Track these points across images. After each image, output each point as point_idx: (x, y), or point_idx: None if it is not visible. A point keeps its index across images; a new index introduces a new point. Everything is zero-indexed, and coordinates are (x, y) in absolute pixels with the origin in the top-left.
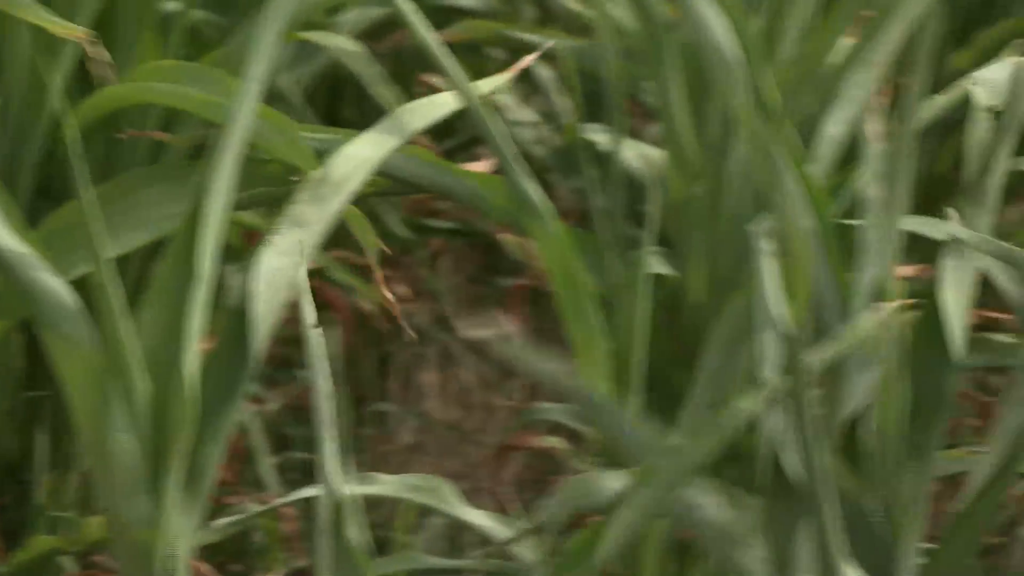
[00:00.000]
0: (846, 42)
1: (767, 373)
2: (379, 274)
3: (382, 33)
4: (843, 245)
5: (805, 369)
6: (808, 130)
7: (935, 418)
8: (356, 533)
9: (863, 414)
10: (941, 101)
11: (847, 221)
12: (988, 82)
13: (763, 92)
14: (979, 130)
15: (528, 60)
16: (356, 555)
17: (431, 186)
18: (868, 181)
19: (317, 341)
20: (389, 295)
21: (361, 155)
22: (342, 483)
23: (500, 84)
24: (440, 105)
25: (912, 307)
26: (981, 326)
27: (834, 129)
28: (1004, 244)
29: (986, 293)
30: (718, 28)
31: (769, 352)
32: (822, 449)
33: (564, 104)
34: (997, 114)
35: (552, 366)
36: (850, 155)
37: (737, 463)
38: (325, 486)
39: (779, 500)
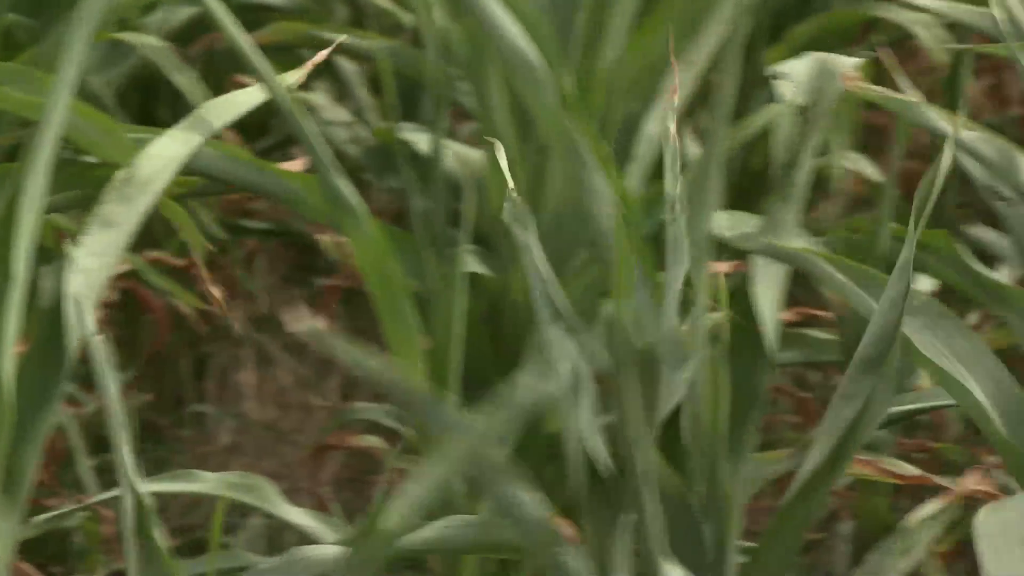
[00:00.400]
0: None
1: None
2: (204, 272)
3: (196, 34)
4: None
5: (623, 365)
6: (631, 128)
7: (751, 414)
8: (160, 533)
9: (683, 411)
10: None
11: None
12: (792, 78)
13: (567, 94)
14: (785, 126)
15: (324, 53)
16: (162, 555)
17: (246, 184)
18: (675, 180)
19: (100, 348)
20: (216, 292)
21: (167, 153)
22: (140, 483)
23: (301, 76)
24: (245, 99)
25: (727, 304)
26: (799, 322)
27: (654, 128)
28: (775, 244)
29: (805, 290)
30: (513, 31)
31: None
32: (642, 446)
33: (377, 104)
34: (802, 110)
35: (371, 362)
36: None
37: (562, 461)
38: (123, 487)
39: (598, 498)
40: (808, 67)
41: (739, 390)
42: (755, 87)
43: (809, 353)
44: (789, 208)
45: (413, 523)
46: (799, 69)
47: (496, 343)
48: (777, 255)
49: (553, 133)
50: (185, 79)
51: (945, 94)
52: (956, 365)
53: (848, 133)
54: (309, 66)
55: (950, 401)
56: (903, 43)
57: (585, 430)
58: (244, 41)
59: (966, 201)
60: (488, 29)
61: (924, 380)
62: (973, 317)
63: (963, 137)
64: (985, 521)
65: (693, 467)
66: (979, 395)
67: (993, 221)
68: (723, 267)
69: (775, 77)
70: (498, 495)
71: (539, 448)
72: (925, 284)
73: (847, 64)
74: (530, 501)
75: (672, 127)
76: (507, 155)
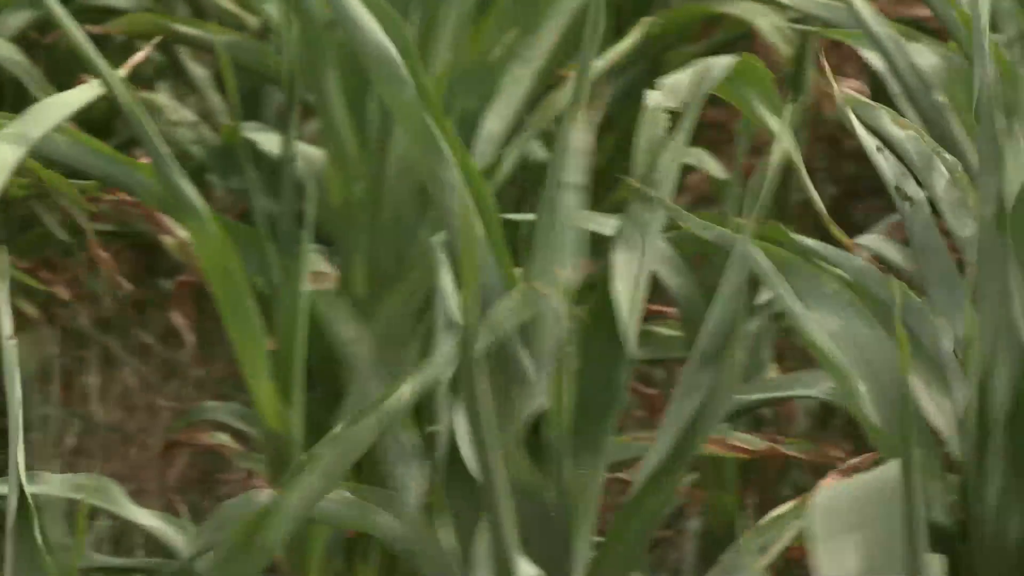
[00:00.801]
0: (507, 38)
1: (438, 366)
2: (101, 253)
3: (44, 34)
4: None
5: (475, 362)
6: (469, 127)
7: (607, 411)
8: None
9: (543, 408)
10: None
11: (518, 216)
12: (671, 86)
13: (425, 89)
14: (652, 127)
15: (145, 51)
16: (40, 554)
17: (100, 175)
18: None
19: None
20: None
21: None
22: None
23: (131, 67)
24: (78, 97)
25: (585, 301)
26: (644, 319)
27: (494, 125)
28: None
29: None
30: (373, 28)
31: (442, 346)
32: (496, 443)
33: (222, 103)
34: (671, 111)
35: None
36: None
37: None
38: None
39: (460, 493)
40: (688, 76)
41: (596, 387)
42: (597, 84)
43: (656, 350)
44: (651, 208)
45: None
46: (680, 79)
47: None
48: (640, 252)
49: (411, 129)
50: (33, 81)
51: (789, 88)
52: (849, 351)
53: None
54: (140, 57)
55: (797, 392)
56: (745, 38)
57: (458, 428)
58: (80, 37)
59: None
60: (346, 24)
61: (772, 372)
62: None
63: (896, 135)
64: (818, 506)
65: (550, 463)
66: (860, 384)
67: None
68: (581, 265)
69: (654, 88)
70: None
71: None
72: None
73: (722, 66)
74: (404, 494)
75: (538, 124)
76: (347, 152)
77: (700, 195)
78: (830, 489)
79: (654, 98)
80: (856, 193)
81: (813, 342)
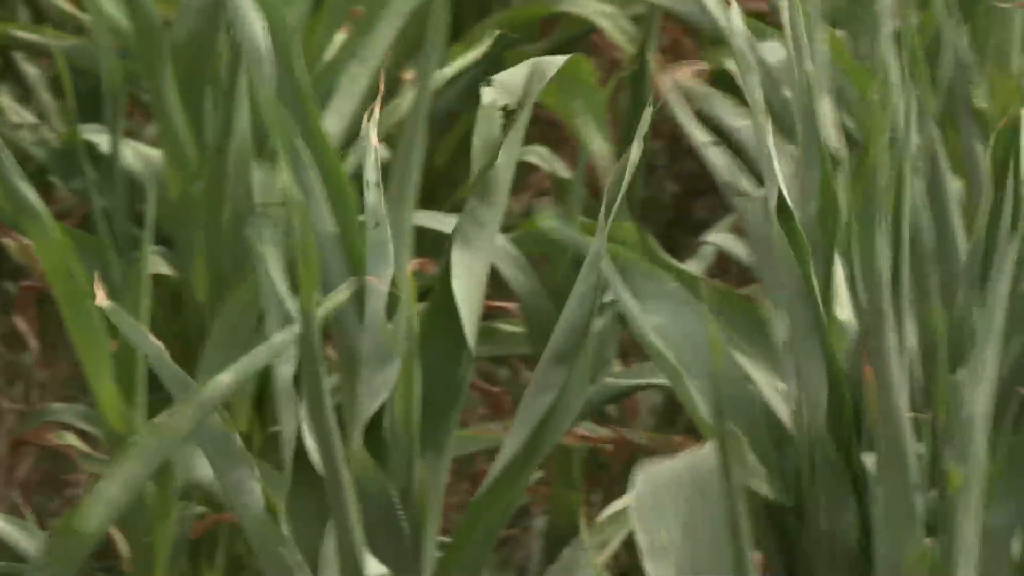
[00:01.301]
0: (341, 37)
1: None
2: None
3: None
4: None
5: (317, 361)
6: None
7: (449, 409)
8: None
9: (387, 408)
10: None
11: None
12: (504, 83)
13: (300, 87)
14: (488, 126)
15: None
16: None
17: None
18: (370, 185)
19: None
20: None
21: None
22: None
23: None
24: None
25: (425, 299)
26: (485, 316)
27: (332, 124)
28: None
29: (494, 282)
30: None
31: (281, 347)
32: (338, 441)
33: (61, 105)
34: (506, 110)
35: None
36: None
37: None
38: None
39: (306, 492)
40: (522, 73)
41: (438, 385)
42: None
43: (499, 347)
44: (489, 206)
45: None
46: (512, 75)
47: (178, 341)
48: (480, 250)
49: (273, 128)
50: None
51: (630, 85)
52: (680, 348)
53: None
54: None
55: (641, 381)
56: (587, 36)
57: (305, 428)
58: None
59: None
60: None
61: (616, 369)
62: None
63: (738, 125)
64: (640, 482)
65: (394, 462)
66: (690, 379)
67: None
68: (416, 264)
69: (488, 84)
70: (227, 484)
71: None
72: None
73: (556, 64)
74: (257, 489)
75: (373, 135)
76: (185, 153)
77: (542, 193)
78: (649, 473)
79: (489, 95)
80: (698, 191)
81: (646, 339)
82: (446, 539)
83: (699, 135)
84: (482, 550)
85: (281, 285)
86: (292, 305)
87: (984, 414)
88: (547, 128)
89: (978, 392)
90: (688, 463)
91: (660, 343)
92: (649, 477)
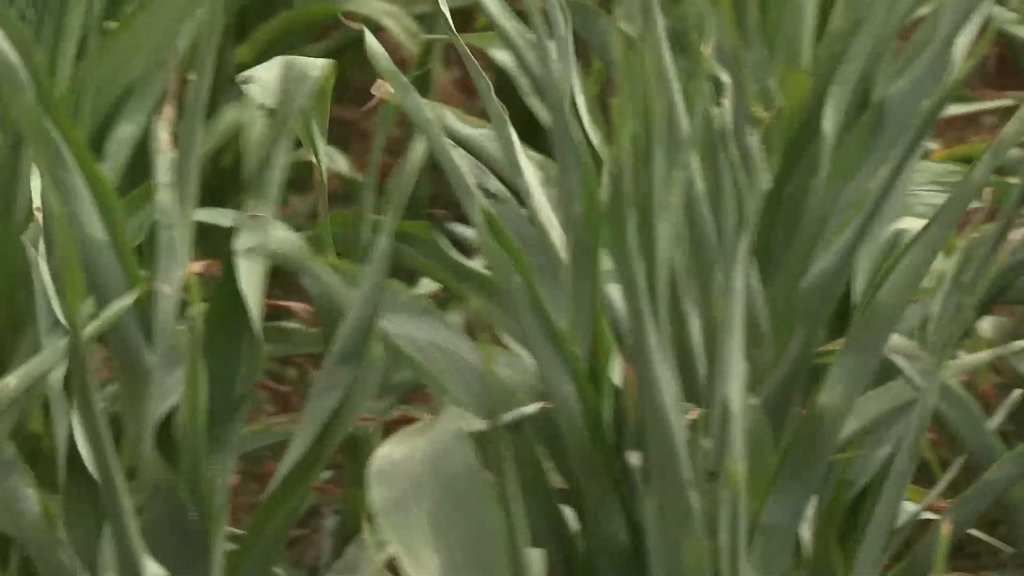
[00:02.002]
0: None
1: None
2: None
3: None
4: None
5: (85, 367)
6: (104, 132)
7: (237, 409)
8: None
9: (176, 408)
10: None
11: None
12: (261, 80)
13: (48, 97)
14: (256, 126)
15: None
16: None
17: None
18: (163, 187)
19: None
20: None
21: None
22: None
23: None
24: None
25: (209, 299)
26: (276, 316)
27: (127, 128)
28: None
29: (278, 282)
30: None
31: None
32: (111, 443)
33: None
34: (272, 110)
35: None
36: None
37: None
38: None
39: (81, 495)
40: (277, 70)
41: (223, 386)
42: (224, 86)
43: (287, 347)
44: (265, 205)
45: None
46: (268, 73)
47: None
48: (262, 252)
49: (32, 137)
50: None
51: (417, 86)
52: (438, 360)
53: (320, 128)
54: None
55: None
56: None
57: (78, 430)
58: None
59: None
60: None
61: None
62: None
63: (468, 132)
64: (379, 458)
65: (183, 463)
66: (454, 387)
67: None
68: (202, 266)
69: (245, 82)
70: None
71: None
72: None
73: (316, 65)
74: (29, 499)
75: (164, 135)
76: None
77: (331, 193)
78: (388, 453)
79: (251, 93)
80: None
81: (401, 351)
82: (238, 537)
83: (437, 140)
84: (271, 549)
85: (52, 293)
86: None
87: (739, 410)
88: (339, 128)
89: (731, 388)
90: (430, 459)
91: (416, 353)
92: (388, 476)
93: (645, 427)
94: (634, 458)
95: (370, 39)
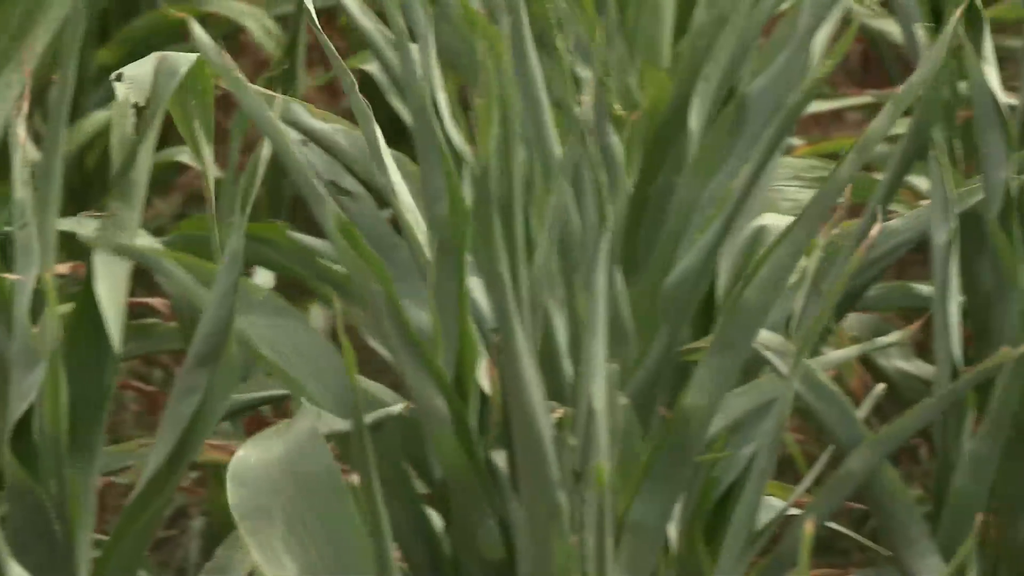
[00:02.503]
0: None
1: None
2: None
3: None
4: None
5: None
6: None
7: (98, 410)
8: None
9: (35, 411)
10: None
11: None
12: (132, 78)
13: None
14: (124, 126)
15: None
16: None
17: None
18: (18, 183)
19: None
20: None
21: None
22: None
23: None
24: None
25: (72, 304)
26: (142, 315)
27: None
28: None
29: (141, 283)
30: None
31: None
32: None
33: None
34: (140, 109)
35: None
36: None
37: None
38: None
39: None
40: (149, 67)
41: (85, 388)
42: (88, 87)
43: (152, 343)
44: (129, 207)
45: None
46: (140, 70)
47: None
48: (121, 253)
49: None
50: None
51: (282, 87)
52: (296, 361)
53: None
54: None
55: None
56: (236, 36)
57: None
58: None
59: None
60: None
61: None
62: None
63: (324, 128)
64: (236, 461)
65: (44, 466)
66: (315, 390)
67: None
68: (65, 268)
69: (118, 79)
70: None
71: None
72: (266, 278)
73: (186, 60)
74: None
75: (21, 132)
76: None
77: (194, 194)
78: (245, 456)
79: (121, 91)
80: None
81: (258, 352)
82: (102, 541)
83: (285, 136)
84: (136, 552)
85: None
86: None
87: (603, 409)
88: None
89: (595, 387)
90: (287, 462)
91: (274, 355)
92: (245, 479)
93: (512, 427)
94: (500, 459)
95: (197, 30)
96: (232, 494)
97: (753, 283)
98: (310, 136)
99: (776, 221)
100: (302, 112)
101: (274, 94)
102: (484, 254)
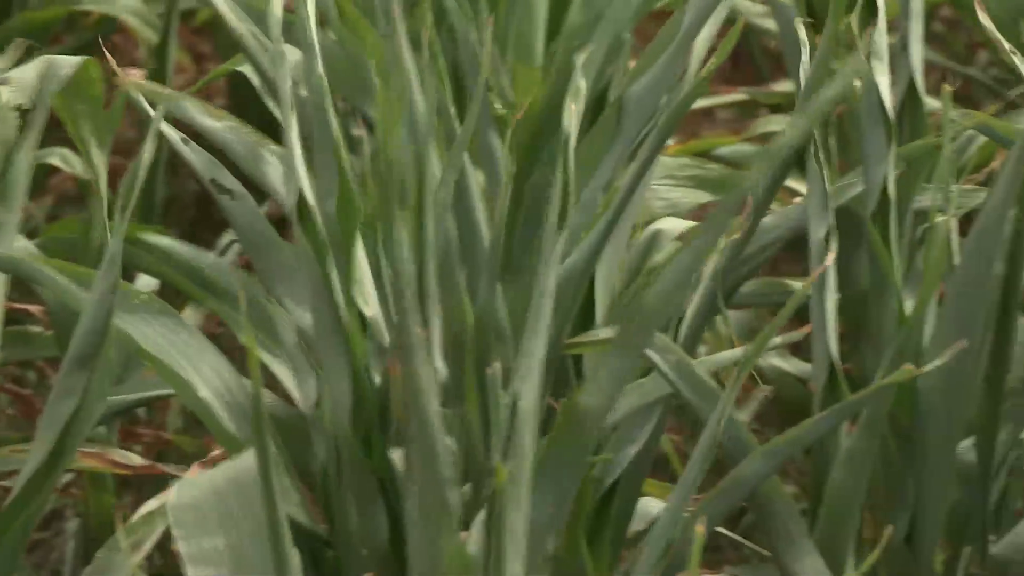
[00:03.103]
0: None
1: None
2: None
3: None
4: None
5: None
6: None
7: None
8: None
9: None
10: None
11: None
12: (17, 80)
13: None
14: (6, 129)
15: None
16: None
17: None
18: None
19: None
20: None
21: None
22: None
23: None
24: None
25: None
26: (16, 319)
27: None
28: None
29: (19, 288)
30: None
31: None
32: None
33: None
34: (23, 111)
35: None
36: None
37: None
38: None
39: None
40: (35, 70)
41: None
42: None
43: (27, 350)
44: (8, 210)
45: None
46: (25, 73)
47: None
48: None
49: None
50: None
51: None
52: (180, 360)
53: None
54: None
55: (170, 391)
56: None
57: None
58: None
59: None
60: None
61: (150, 371)
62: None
63: (211, 125)
64: (178, 496)
65: None
66: (202, 390)
67: None
68: None
69: (2, 83)
70: None
71: None
72: (147, 281)
73: (71, 64)
74: None
75: None
76: None
77: (66, 196)
78: (190, 483)
79: (5, 94)
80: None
81: (145, 352)
82: None
83: (168, 130)
84: (11, 555)
85: None
86: None
87: (533, 408)
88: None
89: (526, 387)
90: (228, 474)
91: (160, 354)
92: (187, 487)
93: (408, 425)
94: (398, 456)
95: None
96: (174, 501)
97: (654, 286)
98: (198, 132)
99: (672, 226)
100: (191, 109)
101: (165, 89)
102: (387, 249)
